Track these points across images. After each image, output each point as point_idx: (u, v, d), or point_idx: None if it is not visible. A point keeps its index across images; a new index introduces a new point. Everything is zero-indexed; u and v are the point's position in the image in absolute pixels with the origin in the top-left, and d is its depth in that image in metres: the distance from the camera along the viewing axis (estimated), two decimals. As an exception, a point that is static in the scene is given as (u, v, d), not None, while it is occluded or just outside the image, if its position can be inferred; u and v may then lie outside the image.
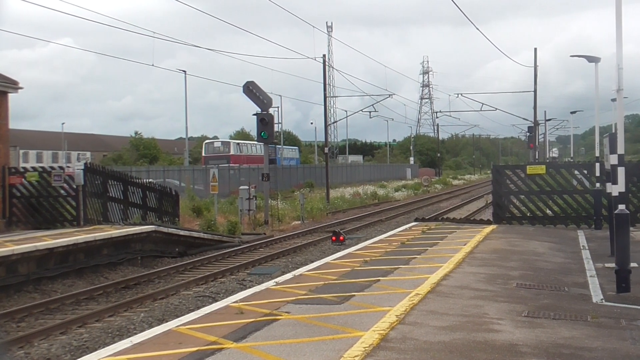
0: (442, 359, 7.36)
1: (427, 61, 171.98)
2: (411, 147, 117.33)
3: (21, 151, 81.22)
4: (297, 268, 16.36)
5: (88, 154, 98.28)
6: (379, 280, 12.04)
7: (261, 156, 48.45)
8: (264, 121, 33.02)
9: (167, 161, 76.76)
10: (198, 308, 12.68)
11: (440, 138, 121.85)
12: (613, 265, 12.69)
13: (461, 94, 59.62)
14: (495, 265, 14.21)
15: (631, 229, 15.56)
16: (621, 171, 12.68)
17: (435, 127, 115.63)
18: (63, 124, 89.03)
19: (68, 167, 26.03)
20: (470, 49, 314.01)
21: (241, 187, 34.32)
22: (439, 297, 10.67)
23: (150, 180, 33.96)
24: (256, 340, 8.05)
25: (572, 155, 75.23)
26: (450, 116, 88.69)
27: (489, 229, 21.66)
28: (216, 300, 13.94)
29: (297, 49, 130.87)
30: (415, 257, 14.90)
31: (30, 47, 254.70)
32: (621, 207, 12.43)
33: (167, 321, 11.51)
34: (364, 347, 7.53)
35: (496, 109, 60.47)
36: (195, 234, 25.35)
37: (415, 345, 7.83)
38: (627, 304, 11.10)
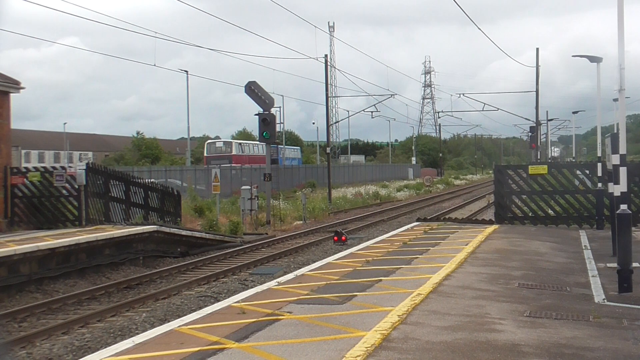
0: (444, 359, 7.36)
1: (429, 61, 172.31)
2: (413, 147, 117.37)
3: (23, 151, 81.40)
4: (299, 268, 16.36)
5: (90, 154, 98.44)
6: (380, 280, 12.03)
7: (263, 156, 48.35)
8: (266, 121, 33.01)
9: (169, 161, 76.80)
10: (200, 308, 12.69)
11: (442, 138, 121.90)
12: (615, 265, 12.67)
13: (463, 94, 59.99)
14: (497, 265, 14.21)
15: (633, 229, 15.52)
16: (623, 171, 12.69)
17: (437, 127, 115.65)
18: (65, 124, 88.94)
19: (70, 167, 26.08)
20: (476, 49, 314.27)
21: (243, 187, 34.37)
22: (441, 297, 10.67)
23: (152, 180, 34.00)
24: (258, 340, 8.05)
25: (574, 155, 75.35)
26: (452, 116, 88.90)
27: (490, 229, 21.65)
28: (218, 300, 13.94)
29: (300, 49, 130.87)
30: (417, 257, 14.90)
31: (35, 46, 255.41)
32: (623, 207, 12.42)
33: (169, 321, 11.53)
34: (366, 347, 7.53)
35: (498, 109, 60.70)
36: (197, 234, 25.36)
37: (417, 345, 7.83)
38: (629, 304, 11.08)
